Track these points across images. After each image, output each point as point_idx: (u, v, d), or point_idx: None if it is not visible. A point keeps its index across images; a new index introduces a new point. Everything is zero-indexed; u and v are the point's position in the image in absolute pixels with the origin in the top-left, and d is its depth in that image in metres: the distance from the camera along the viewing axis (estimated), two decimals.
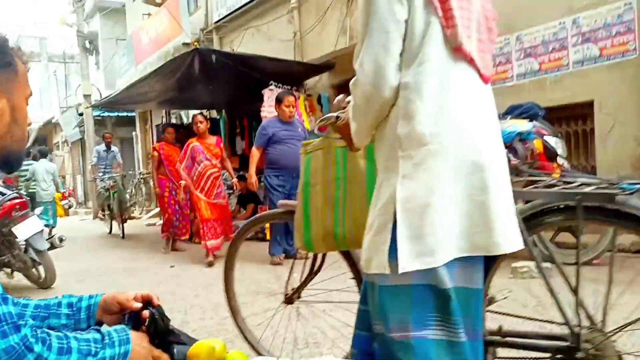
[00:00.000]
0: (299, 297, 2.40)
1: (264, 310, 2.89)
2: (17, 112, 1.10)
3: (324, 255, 2.34)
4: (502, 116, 4.50)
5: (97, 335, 1.10)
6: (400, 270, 1.28)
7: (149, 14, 13.98)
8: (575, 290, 1.55)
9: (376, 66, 1.34)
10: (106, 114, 17.36)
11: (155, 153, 7.47)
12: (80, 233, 10.50)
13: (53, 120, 23.71)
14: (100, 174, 10.22)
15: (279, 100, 5.80)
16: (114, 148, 10.85)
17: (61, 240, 5.25)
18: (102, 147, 10.72)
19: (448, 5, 1.33)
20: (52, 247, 5.09)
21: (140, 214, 14.02)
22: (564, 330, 1.55)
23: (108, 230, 10.16)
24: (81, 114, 16.45)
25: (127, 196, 9.94)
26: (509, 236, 1.37)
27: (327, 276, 2.37)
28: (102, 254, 7.34)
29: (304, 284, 2.38)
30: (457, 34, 1.33)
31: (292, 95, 6.01)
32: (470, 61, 1.37)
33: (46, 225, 8.66)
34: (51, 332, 1.02)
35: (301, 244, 2.12)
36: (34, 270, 5.11)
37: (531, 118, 4.48)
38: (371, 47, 1.34)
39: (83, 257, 7.09)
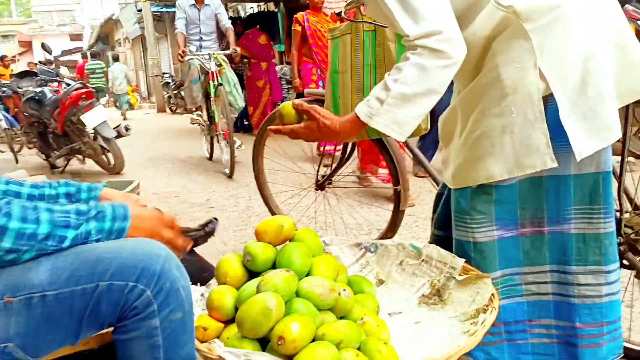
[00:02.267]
0: (329, 183, 2.43)
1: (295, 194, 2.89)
2: None
3: (354, 144, 2.29)
4: None
5: (83, 207, 0.97)
6: (579, 157, 1.15)
7: None
8: (619, 177, 1.45)
9: (445, 19, 1.13)
10: (164, 9, 17.16)
11: (299, 27, 5.04)
12: (145, 125, 10.84)
13: (113, 17, 23.80)
14: (193, 48, 5.32)
15: None
16: (210, 5, 5.72)
17: (127, 129, 5.38)
18: (189, 1, 5.63)
19: None
20: (119, 135, 5.25)
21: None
22: None
23: (207, 155, 5.84)
24: (140, 10, 16.36)
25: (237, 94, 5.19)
26: None
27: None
28: (167, 145, 7.56)
29: (334, 171, 2.40)
30: None
31: None
32: None
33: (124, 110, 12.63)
34: (15, 200, 0.91)
35: None
36: (103, 156, 5.33)
37: (624, 2, 4.05)
38: (424, 1, 1.13)
39: (149, 147, 7.33)
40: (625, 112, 1.34)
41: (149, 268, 0.92)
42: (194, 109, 5.96)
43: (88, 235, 0.95)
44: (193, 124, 6.02)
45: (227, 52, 5.32)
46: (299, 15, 5.04)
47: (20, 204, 0.90)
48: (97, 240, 0.97)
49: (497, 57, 1.19)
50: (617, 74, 1.20)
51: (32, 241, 0.90)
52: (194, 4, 5.59)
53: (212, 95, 4.91)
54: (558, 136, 1.16)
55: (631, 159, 1.88)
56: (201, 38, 5.63)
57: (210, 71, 4.93)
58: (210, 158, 5.73)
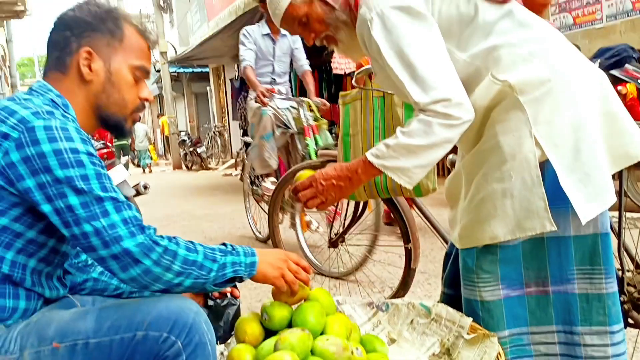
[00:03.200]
0: (342, 240, 2.48)
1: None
2: (114, 76, 1.17)
3: (365, 203, 2.37)
4: (591, 59, 4.22)
5: (222, 247, 1.16)
6: (584, 221, 1.22)
7: None
8: (618, 234, 1.50)
9: (453, 87, 1.24)
10: (181, 70, 17.90)
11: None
12: (161, 182, 11.06)
13: None
14: (283, 89, 4.18)
15: None
16: (287, 37, 4.20)
17: (145, 187, 5.49)
18: (261, 28, 4.18)
19: None
20: (138, 193, 5.37)
21: (217, 165, 14.68)
22: None
23: (259, 234, 4.40)
24: (158, 71, 17.01)
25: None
26: None
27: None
28: (183, 202, 7.69)
29: (347, 228, 2.46)
30: None
31: None
32: None
33: (145, 166, 15.13)
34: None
35: None
36: None
37: (623, 61, 4.18)
38: (432, 73, 1.24)
39: (166, 204, 7.46)
40: (619, 172, 1.41)
41: (182, 320, 1.01)
42: (262, 176, 4.12)
43: (225, 266, 1.11)
44: (259, 200, 4.27)
45: (316, 100, 3.92)
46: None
47: (182, 239, 1.09)
48: (235, 272, 1.12)
49: (495, 126, 1.28)
50: (609, 140, 1.29)
51: (193, 267, 1.06)
52: (268, 34, 4.15)
53: (313, 157, 3.54)
54: (557, 199, 1.24)
55: (632, 214, 1.93)
56: (273, 80, 4.22)
57: (306, 125, 3.72)
58: (267, 240, 4.09)
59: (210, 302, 1.40)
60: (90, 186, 1.02)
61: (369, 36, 1.30)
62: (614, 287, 1.31)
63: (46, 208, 1.01)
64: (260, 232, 4.41)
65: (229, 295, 1.43)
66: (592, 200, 1.23)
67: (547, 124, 1.23)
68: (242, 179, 4.56)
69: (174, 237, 1.08)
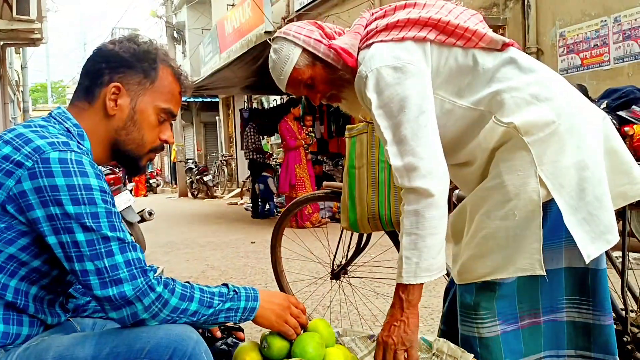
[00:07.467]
0: (345, 273, 2.45)
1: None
2: (137, 114, 1.17)
3: (369, 234, 2.36)
4: (598, 100, 4.27)
5: (224, 290, 1.15)
6: (588, 260, 1.23)
7: (233, 4, 14.39)
8: (621, 274, 1.50)
9: (429, 156, 1.26)
10: (191, 99, 18.13)
11: None
12: (167, 209, 11.09)
13: None
14: None
15: None
16: None
17: (150, 214, 5.51)
18: None
19: (460, 28, 1.31)
20: (142, 220, 5.39)
21: (222, 193, 14.73)
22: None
23: None
24: None
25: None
26: None
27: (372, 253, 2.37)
28: (187, 229, 7.69)
29: (350, 260, 2.43)
30: (491, 37, 1.32)
31: None
32: (512, 45, 1.35)
33: None
34: (177, 280, 1.09)
35: (347, 225, 2.16)
36: None
37: (630, 103, 4.22)
38: (413, 139, 1.25)
39: (169, 231, 7.46)
40: (623, 212, 1.41)
41: (181, 349, 1.01)
42: None
43: (219, 313, 1.11)
44: None
45: None
46: None
47: (180, 283, 1.09)
48: (227, 319, 1.13)
49: (500, 165, 1.29)
50: (611, 177, 1.30)
51: (182, 315, 1.07)
52: None
53: None
54: (554, 236, 1.26)
55: (636, 254, 1.93)
56: None
57: None
58: None
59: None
60: (99, 224, 1.01)
61: (364, 93, 1.33)
62: (605, 321, 1.32)
63: (51, 240, 1.01)
64: None
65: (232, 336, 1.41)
66: (596, 240, 1.24)
67: (552, 164, 1.24)
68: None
69: (173, 282, 1.07)
